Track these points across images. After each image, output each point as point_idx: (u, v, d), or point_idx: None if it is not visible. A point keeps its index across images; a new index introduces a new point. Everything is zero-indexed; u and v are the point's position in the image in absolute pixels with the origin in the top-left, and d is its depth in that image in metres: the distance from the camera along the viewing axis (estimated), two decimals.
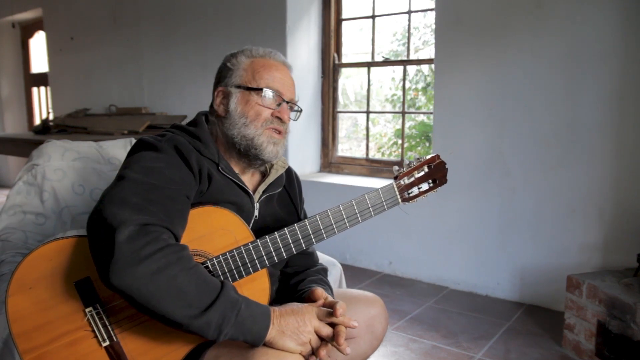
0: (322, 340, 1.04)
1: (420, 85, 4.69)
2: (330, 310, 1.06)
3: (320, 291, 1.17)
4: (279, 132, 1.21)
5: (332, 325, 1.05)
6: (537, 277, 2.74)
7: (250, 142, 1.18)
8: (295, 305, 1.06)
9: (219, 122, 1.23)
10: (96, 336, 1.00)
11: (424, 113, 4.48)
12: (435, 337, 2.40)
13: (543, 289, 2.72)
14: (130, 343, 1.01)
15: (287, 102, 1.23)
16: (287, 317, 1.01)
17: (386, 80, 4.71)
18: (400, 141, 4.61)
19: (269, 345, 0.99)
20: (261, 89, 1.19)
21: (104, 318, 1.00)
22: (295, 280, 1.32)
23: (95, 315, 1.00)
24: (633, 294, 2.00)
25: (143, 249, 0.88)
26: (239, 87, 1.21)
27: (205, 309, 0.92)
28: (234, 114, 1.20)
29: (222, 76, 1.25)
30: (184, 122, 1.33)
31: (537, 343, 2.34)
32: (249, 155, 1.20)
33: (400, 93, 4.66)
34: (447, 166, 1.28)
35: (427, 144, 4.43)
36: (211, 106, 1.27)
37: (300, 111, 1.29)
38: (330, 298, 1.15)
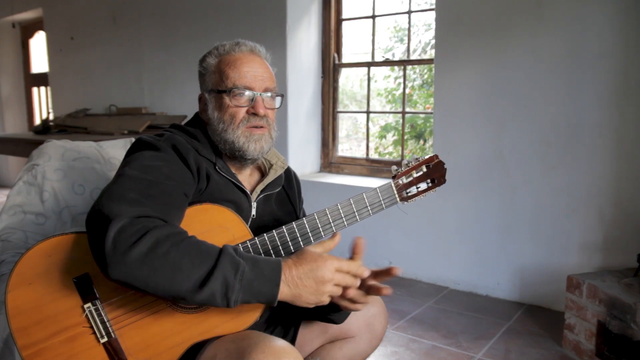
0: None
1: (417, 82, 4.69)
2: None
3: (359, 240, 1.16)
4: (260, 127, 1.19)
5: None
6: (537, 277, 2.74)
7: (232, 145, 1.18)
8: (309, 254, 1.00)
9: (207, 127, 1.23)
10: (94, 332, 1.00)
11: (424, 113, 4.48)
12: (435, 337, 2.40)
13: (543, 289, 2.72)
14: (129, 340, 1.02)
15: (262, 94, 1.19)
16: (301, 268, 0.97)
17: (379, 75, 4.70)
18: (388, 135, 4.63)
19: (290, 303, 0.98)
20: (230, 90, 1.17)
21: (102, 314, 1.00)
22: None
23: (93, 311, 1.00)
24: (633, 294, 2.00)
25: (132, 236, 0.88)
26: (211, 91, 1.21)
27: (204, 280, 0.89)
28: (213, 120, 1.20)
29: (200, 82, 1.26)
30: (184, 122, 1.34)
31: (537, 343, 2.34)
32: (236, 157, 1.20)
33: (393, 89, 4.67)
34: (445, 166, 1.28)
35: (419, 139, 4.42)
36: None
37: (282, 95, 1.27)
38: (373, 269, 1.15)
